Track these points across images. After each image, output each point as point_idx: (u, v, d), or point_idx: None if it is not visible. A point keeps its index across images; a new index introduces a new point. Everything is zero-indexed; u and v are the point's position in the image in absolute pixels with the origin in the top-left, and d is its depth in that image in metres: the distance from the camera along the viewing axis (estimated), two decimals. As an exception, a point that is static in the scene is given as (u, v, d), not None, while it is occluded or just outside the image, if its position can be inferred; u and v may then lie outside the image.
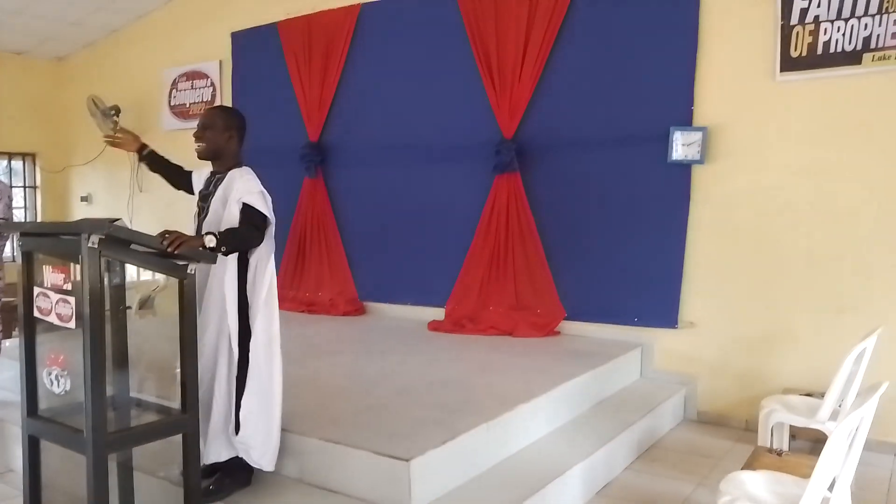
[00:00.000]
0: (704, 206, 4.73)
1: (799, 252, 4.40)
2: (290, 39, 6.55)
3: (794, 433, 3.77)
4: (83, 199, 8.81)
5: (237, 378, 2.89)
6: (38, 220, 8.82)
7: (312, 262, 6.45)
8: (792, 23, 4.33)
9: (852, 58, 4.17)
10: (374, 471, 2.88)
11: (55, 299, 2.51)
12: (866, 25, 4.12)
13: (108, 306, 2.51)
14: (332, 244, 6.36)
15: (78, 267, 2.38)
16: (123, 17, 7.89)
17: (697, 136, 4.65)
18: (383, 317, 6.10)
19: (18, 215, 8.54)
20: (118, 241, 2.43)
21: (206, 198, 3.03)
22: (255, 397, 2.89)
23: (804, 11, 4.29)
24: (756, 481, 2.46)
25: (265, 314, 2.90)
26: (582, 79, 5.15)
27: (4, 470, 3.66)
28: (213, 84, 7.36)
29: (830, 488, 2.16)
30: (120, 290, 2.72)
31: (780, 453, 2.92)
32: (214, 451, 2.92)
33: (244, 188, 2.89)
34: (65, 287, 2.50)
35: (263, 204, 2.89)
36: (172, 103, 7.71)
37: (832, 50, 4.22)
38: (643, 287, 4.91)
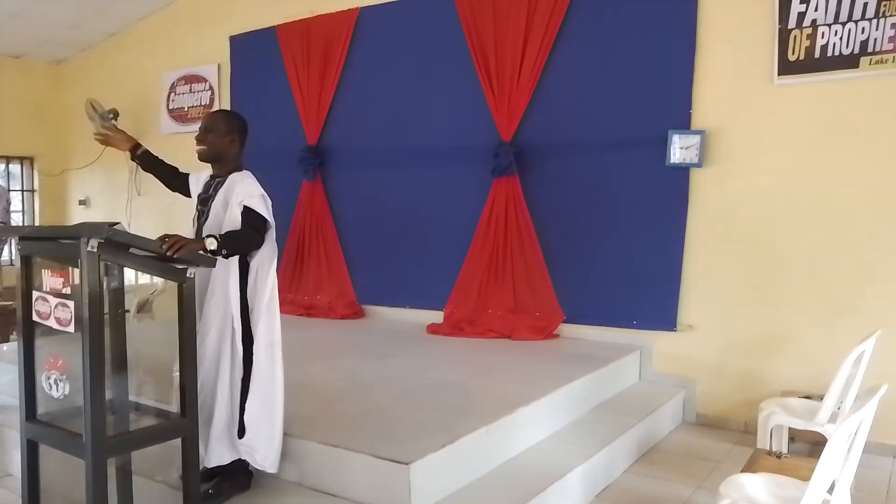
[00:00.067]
0: (703, 209, 4.73)
1: (797, 255, 4.41)
2: (288, 43, 6.55)
3: (794, 436, 3.77)
4: (81, 202, 8.80)
5: (241, 381, 2.90)
6: (37, 223, 8.81)
7: (311, 265, 6.45)
8: (790, 26, 4.34)
9: (850, 61, 4.18)
10: (373, 474, 2.87)
11: (54, 303, 2.50)
12: (864, 29, 4.13)
13: (106, 310, 2.50)
14: (331, 247, 6.36)
15: (77, 271, 2.37)
16: (122, 20, 7.89)
17: (695, 139, 4.65)
18: (382, 320, 6.09)
19: (17, 219, 8.53)
20: (117, 244, 2.43)
21: (205, 201, 3.03)
22: (259, 400, 2.89)
23: (802, 15, 4.30)
24: (755, 484, 2.46)
25: (267, 318, 2.91)
26: (580, 82, 5.16)
27: (3, 474, 3.65)
28: (211, 88, 7.35)
29: (830, 491, 2.16)
30: (119, 293, 2.71)
31: (779, 456, 2.92)
32: (217, 455, 2.92)
33: (245, 191, 2.90)
34: (63, 291, 2.49)
35: (264, 207, 2.89)
36: (171, 107, 7.71)
37: (830, 53, 4.23)
38: (642, 290, 4.92)
